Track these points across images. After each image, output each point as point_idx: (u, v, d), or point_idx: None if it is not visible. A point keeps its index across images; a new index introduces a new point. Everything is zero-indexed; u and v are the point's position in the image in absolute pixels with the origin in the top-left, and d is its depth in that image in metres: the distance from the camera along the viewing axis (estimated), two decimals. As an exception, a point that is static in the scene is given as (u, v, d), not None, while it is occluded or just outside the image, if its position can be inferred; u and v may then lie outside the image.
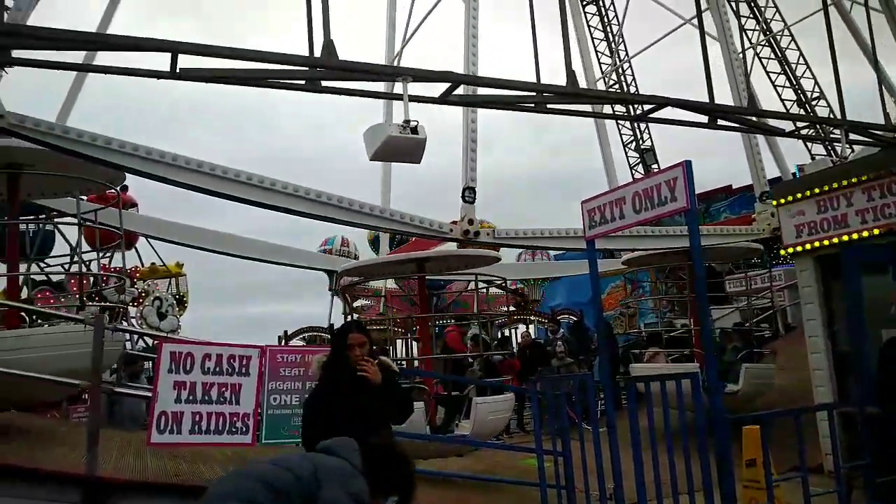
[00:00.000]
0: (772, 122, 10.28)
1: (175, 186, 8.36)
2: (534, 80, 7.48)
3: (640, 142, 24.57)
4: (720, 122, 9.31)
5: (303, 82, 6.55)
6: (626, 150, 25.27)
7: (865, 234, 7.81)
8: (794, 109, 18.63)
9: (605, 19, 22.64)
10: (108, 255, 13.55)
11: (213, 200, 8.93)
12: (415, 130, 6.94)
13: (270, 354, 5.94)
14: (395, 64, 12.56)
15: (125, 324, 13.83)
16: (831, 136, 10.10)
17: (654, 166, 24.61)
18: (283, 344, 16.96)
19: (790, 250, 8.79)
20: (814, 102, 18.88)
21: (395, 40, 14.69)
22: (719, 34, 12.32)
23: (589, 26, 23.11)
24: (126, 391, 9.24)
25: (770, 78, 19.75)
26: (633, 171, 25.37)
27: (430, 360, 11.02)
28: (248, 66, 6.31)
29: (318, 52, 6.34)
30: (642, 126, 23.87)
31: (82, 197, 9.65)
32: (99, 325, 5.85)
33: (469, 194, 9.93)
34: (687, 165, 5.79)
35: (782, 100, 18.90)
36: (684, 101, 8.83)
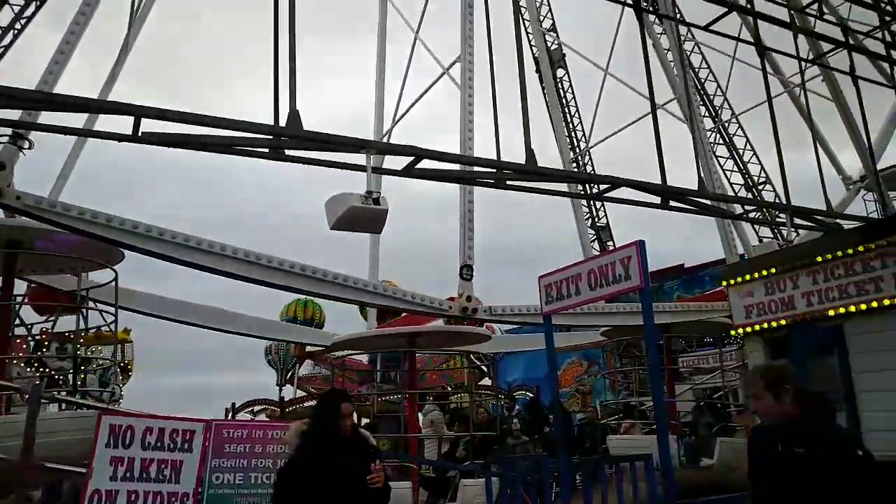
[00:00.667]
0: (722, 204, 10.72)
1: (173, 263, 8.36)
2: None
3: (596, 219, 25.25)
4: (672, 203, 9.64)
5: (266, 150, 6.58)
6: (582, 227, 25.91)
7: (810, 316, 8.05)
8: (742, 193, 19.47)
9: (564, 100, 23.63)
10: (52, 319, 13.02)
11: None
12: (377, 201, 7.01)
13: (216, 429, 5.69)
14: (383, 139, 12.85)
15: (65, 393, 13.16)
16: (777, 220, 10.48)
17: (610, 244, 25.23)
18: (229, 417, 16.34)
19: (740, 330, 8.98)
20: (760, 187, 19.78)
21: (385, 119, 14.97)
22: (688, 118, 12.93)
23: (548, 106, 24.08)
24: (60, 466, 8.67)
25: (718, 162, 20.76)
26: (588, 249, 25.95)
27: (415, 439, 10.87)
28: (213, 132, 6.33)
29: (283, 122, 6.41)
30: (598, 204, 24.58)
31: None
32: (36, 395, 5.55)
33: (467, 272, 10.08)
34: (640, 245, 5.95)
35: (731, 184, 19.83)
36: (638, 182, 9.14)
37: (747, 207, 10.10)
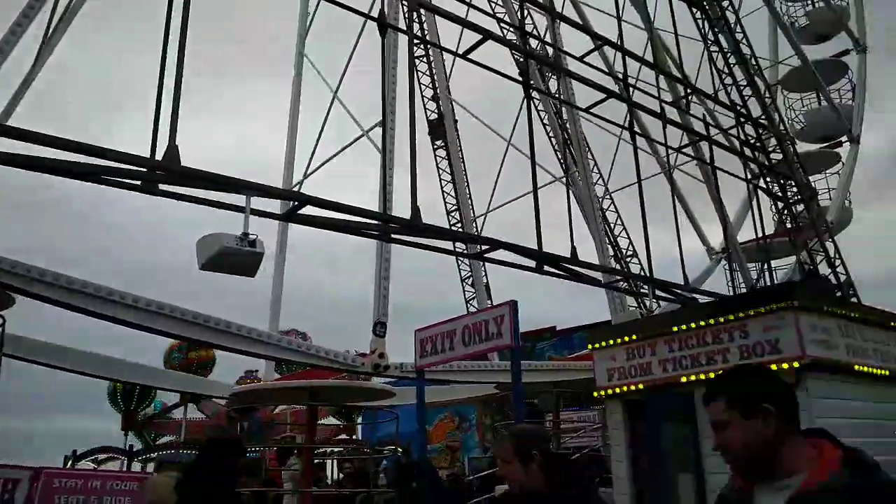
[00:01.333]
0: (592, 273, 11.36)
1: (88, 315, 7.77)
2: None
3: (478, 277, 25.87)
4: (546, 268, 10.08)
5: (138, 182, 6.28)
6: (464, 284, 26.47)
7: (665, 382, 8.57)
8: (611, 264, 20.73)
9: (450, 160, 24.35)
10: None
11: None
12: (253, 244, 6.82)
13: (46, 478, 5.13)
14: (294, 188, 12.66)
15: None
16: (641, 290, 11.20)
17: (489, 302, 25.86)
18: (69, 466, 14.85)
19: (602, 392, 9.39)
20: (628, 259, 21.15)
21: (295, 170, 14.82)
22: (583, 191, 13.72)
23: (438, 168, 24.72)
24: None
25: (597, 234, 22.10)
26: (468, 306, 26.47)
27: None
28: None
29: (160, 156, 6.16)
30: (480, 263, 25.22)
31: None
32: None
33: (380, 329, 9.92)
34: (513, 305, 6.14)
35: (610, 254, 21.14)
36: (515, 246, 9.52)
37: (615, 277, 10.76)
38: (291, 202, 7.55)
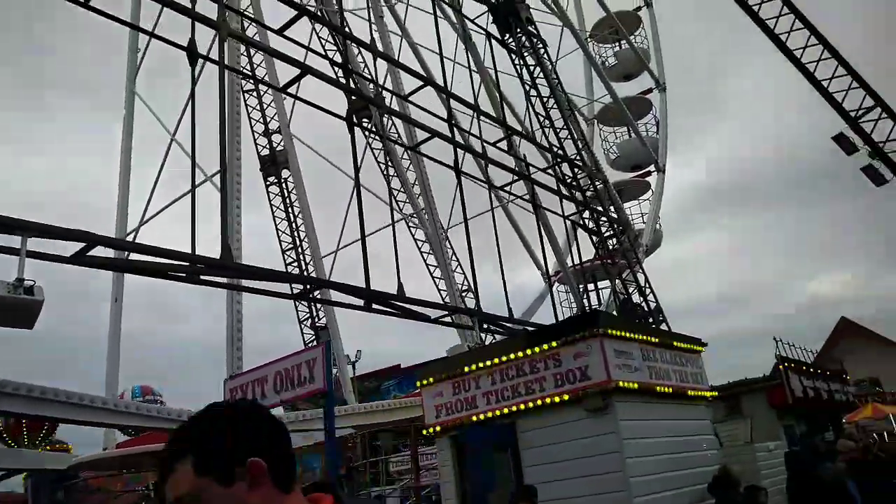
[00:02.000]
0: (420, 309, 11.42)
1: None
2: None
3: (316, 319, 25.21)
4: (375, 305, 9.96)
5: None
6: (302, 326, 25.67)
7: (489, 414, 8.71)
8: (448, 300, 21.11)
9: (288, 201, 23.78)
10: None
11: None
12: (29, 291, 6.03)
13: None
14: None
15: None
16: (469, 325, 11.41)
17: (339, 343, 25.32)
18: None
19: (430, 430, 9.35)
20: (464, 294, 21.68)
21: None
22: (429, 229, 13.67)
23: (272, 206, 23.94)
24: None
25: (429, 271, 22.46)
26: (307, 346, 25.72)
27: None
28: None
29: None
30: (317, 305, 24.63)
31: None
32: None
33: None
34: (326, 346, 5.90)
35: (439, 290, 21.52)
36: (341, 285, 9.32)
37: (441, 312, 10.87)
38: (82, 243, 6.80)
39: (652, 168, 30.08)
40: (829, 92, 16.04)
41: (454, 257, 21.65)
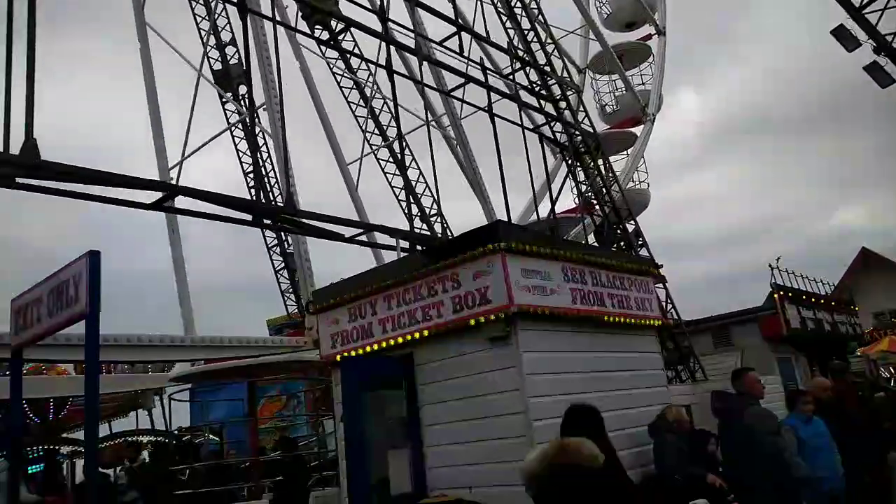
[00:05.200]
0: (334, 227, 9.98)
1: None
2: None
3: (286, 246, 23.92)
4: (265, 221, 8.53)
5: None
6: (271, 253, 24.44)
7: (384, 344, 7.38)
8: (417, 223, 19.67)
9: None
10: None
11: None
12: None
13: None
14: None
15: None
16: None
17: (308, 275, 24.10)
18: None
19: (326, 363, 8.08)
20: (432, 219, 20.21)
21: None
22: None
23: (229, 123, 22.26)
24: None
25: (394, 193, 20.88)
26: (278, 275, 24.55)
27: None
28: None
29: None
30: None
31: None
32: None
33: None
34: (92, 258, 4.50)
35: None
36: (215, 195, 7.88)
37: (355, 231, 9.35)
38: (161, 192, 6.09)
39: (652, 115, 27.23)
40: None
41: (421, 178, 20.01)
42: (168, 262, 13.77)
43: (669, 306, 15.57)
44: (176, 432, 22.78)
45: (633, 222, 17.10)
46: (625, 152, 26.75)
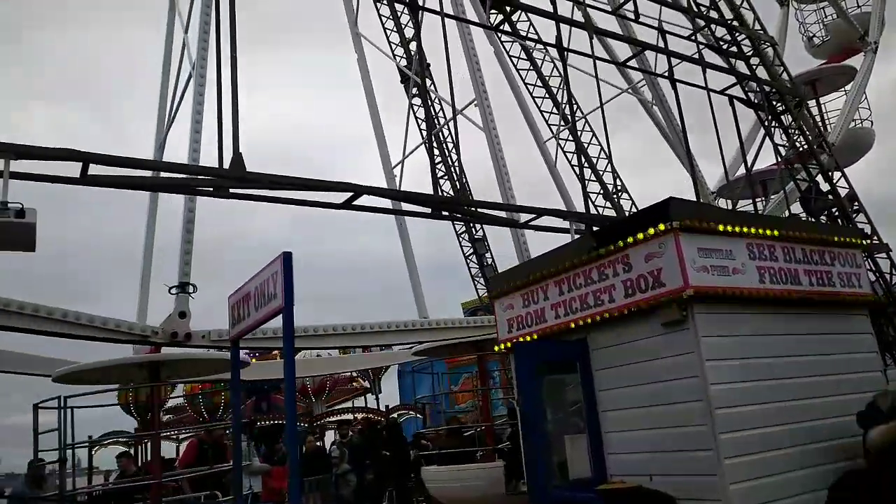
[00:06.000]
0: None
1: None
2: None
3: (474, 232, 24.61)
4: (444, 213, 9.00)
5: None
6: (461, 239, 25.25)
7: (556, 329, 7.41)
8: (600, 202, 19.19)
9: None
10: None
11: None
12: (20, 214, 5.97)
13: None
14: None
15: None
16: (577, 229, 9.87)
17: (487, 255, 24.69)
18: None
19: (502, 346, 8.29)
20: (619, 195, 19.55)
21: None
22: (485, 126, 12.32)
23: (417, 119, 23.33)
24: None
25: (576, 172, 20.44)
26: (468, 261, 25.32)
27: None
28: None
29: None
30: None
31: None
32: None
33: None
34: (285, 258, 5.12)
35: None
36: (389, 192, 8.46)
37: (527, 216, 9.45)
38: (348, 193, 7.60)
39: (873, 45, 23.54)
40: None
41: (602, 154, 19.40)
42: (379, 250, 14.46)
43: None
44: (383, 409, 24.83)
45: (846, 186, 15.23)
46: (842, 90, 23.62)
